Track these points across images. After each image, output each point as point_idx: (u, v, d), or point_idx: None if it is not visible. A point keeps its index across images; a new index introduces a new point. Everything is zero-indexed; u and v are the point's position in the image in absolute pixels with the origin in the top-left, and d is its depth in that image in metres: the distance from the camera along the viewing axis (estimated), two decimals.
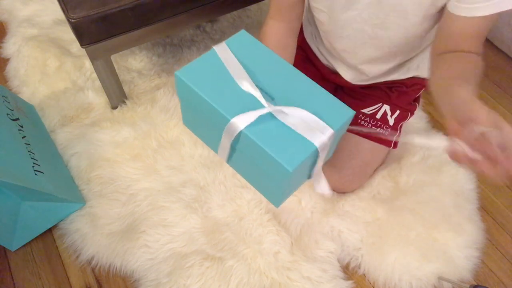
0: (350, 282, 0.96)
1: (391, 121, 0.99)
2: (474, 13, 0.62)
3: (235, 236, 1.00)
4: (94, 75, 1.32)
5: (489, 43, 1.51)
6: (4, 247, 1.00)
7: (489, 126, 0.46)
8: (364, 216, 1.04)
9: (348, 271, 0.99)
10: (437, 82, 0.65)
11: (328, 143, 0.62)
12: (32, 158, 0.98)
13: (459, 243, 1.00)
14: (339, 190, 1.07)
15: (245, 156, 0.67)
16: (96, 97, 1.28)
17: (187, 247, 0.99)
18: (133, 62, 1.40)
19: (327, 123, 0.62)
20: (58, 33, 1.46)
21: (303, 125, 0.60)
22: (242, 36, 0.72)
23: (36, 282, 0.97)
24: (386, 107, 0.99)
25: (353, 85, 0.98)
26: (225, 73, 0.66)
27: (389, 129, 0.99)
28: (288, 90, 0.66)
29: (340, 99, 0.67)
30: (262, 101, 0.62)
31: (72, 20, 0.96)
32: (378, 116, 0.99)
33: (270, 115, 0.62)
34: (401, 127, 1.02)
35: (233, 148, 0.67)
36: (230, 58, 0.67)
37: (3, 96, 1.10)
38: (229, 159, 0.72)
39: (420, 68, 0.94)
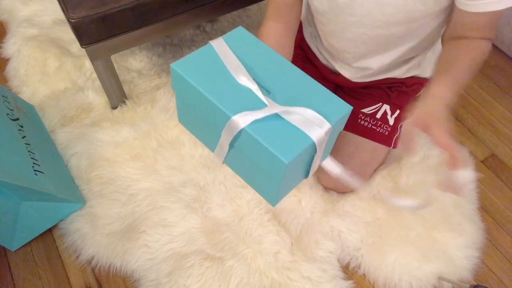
0: (350, 282, 0.96)
1: (391, 121, 0.99)
2: (484, 8, 0.63)
3: (235, 236, 1.00)
4: (94, 75, 1.32)
5: None
6: (4, 247, 1.00)
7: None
8: (364, 216, 1.04)
9: (348, 271, 0.99)
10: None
11: (326, 137, 0.61)
12: (32, 158, 0.98)
13: (459, 243, 1.00)
14: (339, 190, 1.07)
15: (242, 153, 0.66)
16: (96, 97, 1.28)
17: (187, 247, 0.99)
18: (133, 62, 1.40)
19: (324, 118, 0.61)
20: (58, 33, 1.46)
21: (301, 119, 0.60)
22: (239, 32, 0.71)
23: (36, 282, 0.97)
24: (386, 107, 0.99)
25: (353, 84, 0.98)
26: (222, 67, 0.65)
27: (389, 129, 0.99)
28: (285, 85, 0.65)
29: None
30: (260, 95, 0.62)
31: (72, 20, 0.96)
32: (378, 115, 0.99)
33: (261, 103, 0.62)
34: (401, 127, 1.02)
35: (230, 145, 0.67)
36: (227, 52, 0.66)
37: (3, 96, 1.10)
38: (226, 158, 0.72)
39: (421, 67, 0.94)
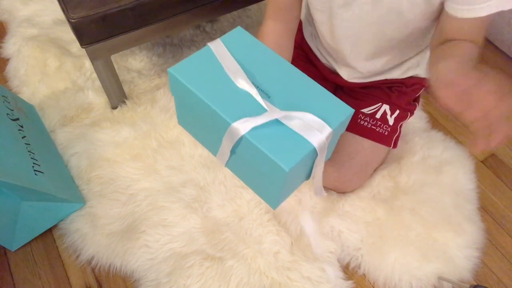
0: (350, 282, 0.96)
1: (391, 121, 0.99)
2: (474, 14, 0.62)
3: (235, 236, 1.00)
4: (94, 75, 1.32)
5: (489, 43, 1.51)
6: (4, 247, 1.00)
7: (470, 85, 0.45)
8: (364, 216, 1.04)
9: (348, 271, 0.99)
10: (431, 64, 0.65)
11: (327, 142, 0.61)
12: (32, 158, 0.98)
13: (459, 243, 1.00)
14: (339, 190, 1.07)
15: (242, 158, 0.65)
16: (96, 97, 1.28)
17: (187, 247, 0.99)
18: (133, 62, 1.40)
19: (325, 122, 0.61)
20: (58, 33, 1.46)
21: (301, 124, 0.60)
22: (238, 33, 0.70)
23: (36, 282, 0.97)
24: (385, 107, 0.99)
25: (353, 84, 0.98)
26: (220, 70, 0.64)
27: (389, 129, 0.99)
28: (285, 88, 0.64)
29: (339, 98, 0.66)
30: (259, 99, 0.61)
31: (72, 20, 0.96)
32: (378, 115, 0.99)
33: (263, 111, 0.61)
34: (400, 126, 1.02)
35: (231, 151, 0.66)
36: (225, 55, 0.65)
37: (3, 96, 1.10)
38: (227, 162, 0.71)
39: (420, 66, 0.94)
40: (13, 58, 1.39)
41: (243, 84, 0.62)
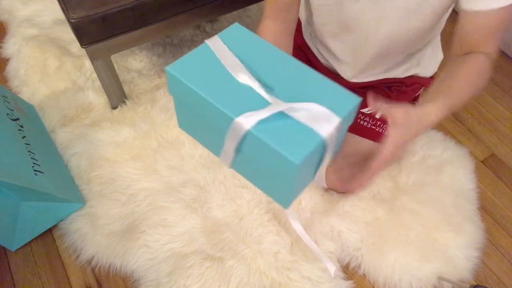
0: (350, 282, 0.96)
1: (388, 115, 0.99)
2: (489, 4, 0.61)
3: (235, 236, 1.00)
4: (94, 75, 1.32)
5: None
6: (4, 247, 1.00)
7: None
8: (364, 216, 1.04)
9: (348, 271, 0.99)
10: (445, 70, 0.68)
11: (336, 133, 0.58)
12: (32, 158, 0.98)
13: (459, 243, 1.00)
14: (339, 190, 1.07)
15: (248, 156, 0.63)
16: (96, 97, 1.28)
17: (187, 247, 0.99)
18: (133, 62, 1.40)
19: (333, 112, 0.57)
20: (58, 33, 1.46)
21: (308, 115, 0.57)
22: (236, 28, 0.68)
23: (36, 282, 0.97)
24: None
25: (353, 84, 0.98)
26: (220, 66, 0.62)
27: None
28: (287, 80, 0.62)
29: None
30: (262, 92, 0.59)
31: (72, 20, 0.96)
32: (378, 115, 0.99)
33: (264, 102, 0.58)
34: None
35: (236, 149, 0.64)
36: (223, 51, 0.63)
37: (3, 96, 1.10)
38: (232, 162, 0.68)
39: (420, 65, 0.94)
40: (13, 58, 1.40)
41: (244, 78, 0.60)
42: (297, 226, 0.74)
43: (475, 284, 0.97)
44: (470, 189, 1.11)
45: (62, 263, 1.00)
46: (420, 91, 1.01)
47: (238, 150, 0.63)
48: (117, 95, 1.24)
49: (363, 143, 0.99)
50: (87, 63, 1.36)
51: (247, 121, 0.55)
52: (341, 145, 0.70)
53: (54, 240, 1.03)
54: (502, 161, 1.21)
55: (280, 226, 1.02)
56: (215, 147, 0.69)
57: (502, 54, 1.49)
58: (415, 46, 0.86)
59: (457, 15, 0.70)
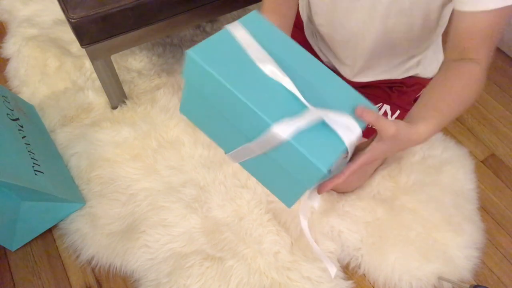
0: (350, 282, 0.96)
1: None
2: (481, 5, 0.60)
3: (235, 236, 1.00)
4: (94, 75, 1.32)
5: None
6: (4, 247, 1.00)
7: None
8: (364, 216, 1.04)
9: (348, 271, 0.99)
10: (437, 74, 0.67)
11: (356, 142, 0.56)
12: (32, 158, 0.98)
13: (459, 243, 1.00)
14: (339, 190, 1.07)
15: (267, 157, 0.58)
16: (96, 97, 1.28)
17: (187, 247, 0.99)
18: (133, 62, 1.40)
19: (356, 120, 0.55)
20: (58, 33, 1.46)
21: (335, 122, 0.54)
22: (255, 17, 0.62)
23: (36, 282, 0.97)
24: (386, 107, 0.99)
25: (354, 84, 0.98)
26: (244, 56, 0.56)
27: None
28: (311, 80, 0.58)
29: None
30: (296, 92, 0.54)
31: (72, 20, 0.96)
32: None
33: (298, 109, 0.54)
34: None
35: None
36: (247, 39, 0.58)
37: (3, 96, 1.10)
38: (245, 162, 0.64)
39: (421, 66, 0.94)
40: (13, 58, 1.40)
41: (274, 72, 0.55)
42: (304, 224, 0.73)
43: (475, 284, 0.97)
44: (470, 189, 1.11)
45: (62, 263, 1.00)
46: (421, 92, 1.01)
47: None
48: (117, 95, 1.24)
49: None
50: (87, 63, 1.36)
51: (285, 130, 0.51)
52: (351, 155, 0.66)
53: (54, 240, 1.03)
54: (502, 161, 1.21)
55: (280, 226, 1.02)
56: (225, 142, 0.64)
57: (502, 54, 1.49)
58: (414, 46, 0.86)
59: None
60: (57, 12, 1.53)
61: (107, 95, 1.23)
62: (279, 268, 0.96)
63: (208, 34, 1.49)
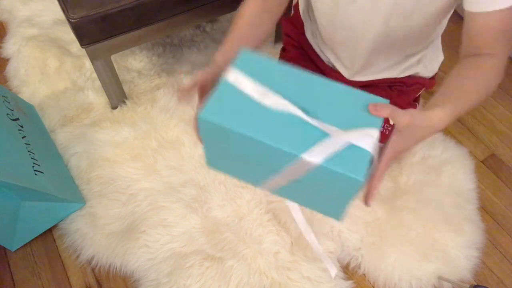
0: (350, 282, 0.96)
1: (392, 121, 0.99)
2: (491, 6, 0.60)
3: (235, 236, 1.00)
4: (94, 75, 1.32)
5: None
6: (4, 247, 1.00)
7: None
8: (364, 216, 1.04)
9: (348, 271, 0.99)
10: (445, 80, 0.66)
11: (377, 145, 0.58)
12: (32, 158, 0.98)
13: (459, 243, 1.00)
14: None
15: (302, 181, 0.61)
16: (96, 97, 1.28)
17: (187, 247, 0.99)
18: (133, 62, 1.40)
19: (371, 122, 0.57)
20: (58, 33, 1.46)
21: (352, 137, 0.56)
22: (246, 55, 0.66)
23: (36, 282, 0.97)
24: None
25: (354, 83, 0.98)
26: (250, 100, 0.60)
27: (389, 128, 0.99)
28: (319, 99, 0.61)
29: None
30: (304, 117, 0.58)
31: (72, 20, 0.96)
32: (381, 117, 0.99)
33: (311, 128, 0.57)
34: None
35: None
36: (247, 83, 0.61)
37: (3, 96, 1.10)
38: (278, 189, 0.67)
39: (421, 63, 0.94)
40: (13, 58, 1.40)
41: (282, 104, 0.58)
42: (310, 237, 0.73)
43: (475, 284, 0.97)
44: (470, 189, 1.11)
45: (62, 263, 1.00)
46: (421, 91, 1.01)
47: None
48: (117, 95, 1.24)
49: None
50: (87, 63, 1.36)
51: (314, 156, 0.54)
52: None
53: (54, 240, 1.03)
54: (502, 161, 1.21)
55: (280, 226, 1.02)
56: (256, 179, 0.67)
57: None
58: (413, 45, 0.86)
59: (458, 16, 0.70)
60: (57, 12, 1.53)
61: (107, 95, 1.23)
62: (279, 268, 0.96)
63: (208, 34, 1.49)
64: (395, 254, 0.98)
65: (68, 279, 0.98)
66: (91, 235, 1.01)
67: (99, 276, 0.98)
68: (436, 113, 0.59)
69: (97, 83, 1.31)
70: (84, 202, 1.06)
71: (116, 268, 0.98)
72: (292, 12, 1.06)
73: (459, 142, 1.23)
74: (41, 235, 1.03)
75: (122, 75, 1.34)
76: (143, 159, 1.13)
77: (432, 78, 1.00)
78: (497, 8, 0.60)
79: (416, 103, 1.04)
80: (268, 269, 0.95)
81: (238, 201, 1.05)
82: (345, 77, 0.98)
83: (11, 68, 1.37)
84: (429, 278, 0.96)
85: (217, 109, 0.59)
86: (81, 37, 1.00)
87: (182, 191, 1.07)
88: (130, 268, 0.98)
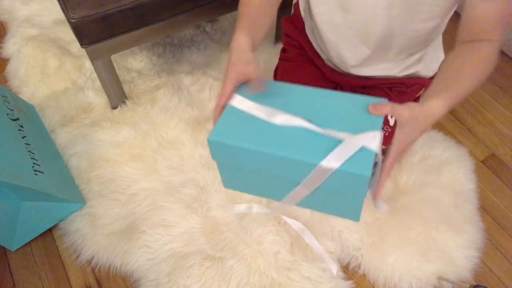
0: (350, 282, 0.96)
1: (391, 121, 0.99)
2: None
3: (235, 236, 1.00)
4: (94, 75, 1.32)
5: None
6: (4, 247, 1.00)
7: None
8: (364, 216, 1.04)
9: (348, 271, 0.99)
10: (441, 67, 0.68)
11: (380, 144, 0.60)
12: (32, 158, 0.98)
13: (459, 243, 1.00)
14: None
15: (318, 189, 0.64)
16: (96, 97, 1.28)
17: (187, 247, 0.99)
18: (133, 62, 1.40)
19: (372, 123, 0.60)
20: (58, 33, 1.46)
21: (356, 138, 0.59)
22: (247, 83, 0.69)
23: (36, 282, 0.97)
24: None
25: (354, 82, 0.98)
26: (258, 120, 0.62)
27: (389, 130, 0.99)
28: (321, 109, 0.64)
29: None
30: (313, 127, 0.60)
31: (72, 20, 0.96)
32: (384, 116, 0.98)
33: (320, 137, 0.60)
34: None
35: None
36: (251, 105, 0.64)
37: (3, 96, 1.10)
38: (300, 201, 0.69)
39: (422, 62, 0.94)
40: (13, 58, 1.40)
41: (287, 119, 0.61)
42: (315, 243, 0.74)
43: (475, 284, 0.97)
44: (470, 189, 1.11)
45: (62, 263, 1.00)
46: (421, 92, 1.01)
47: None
48: (117, 95, 1.24)
49: None
50: (87, 63, 1.36)
51: (332, 162, 0.56)
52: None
53: (54, 240, 1.03)
54: (502, 161, 1.21)
55: (280, 226, 1.02)
56: (276, 194, 0.69)
57: (502, 54, 1.49)
58: (414, 44, 0.85)
59: (458, 16, 0.70)
60: (57, 12, 1.53)
61: (107, 95, 1.23)
62: (279, 268, 0.96)
63: (208, 34, 1.49)
64: (395, 254, 0.98)
65: (68, 279, 0.98)
66: (91, 235, 1.01)
67: (99, 276, 0.98)
68: (434, 103, 0.60)
69: (97, 83, 1.31)
70: (84, 202, 1.06)
71: (116, 268, 0.98)
72: (292, 11, 1.06)
73: (459, 142, 1.23)
74: (41, 235, 1.03)
75: (122, 75, 1.34)
76: (143, 159, 1.13)
77: (432, 78, 1.00)
78: None
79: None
80: (268, 269, 0.95)
81: (238, 201, 1.05)
82: (344, 73, 0.97)
83: (11, 68, 1.37)
84: (429, 278, 0.96)
85: (226, 130, 0.62)
86: (81, 37, 1.00)
87: (182, 191, 1.07)
88: (130, 268, 0.98)
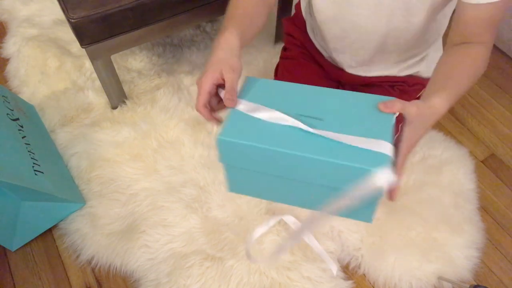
0: (350, 282, 0.96)
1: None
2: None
3: (235, 236, 1.00)
4: (94, 75, 1.32)
5: None
6: (4, 247, 1.00)
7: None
8: None
9: (348, 271, 0.99)
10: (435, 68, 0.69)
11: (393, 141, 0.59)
12: (32, 158, 0.98)
13: (459, 243, 1.00)
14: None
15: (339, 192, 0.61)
16: (96, 97, 1.28)
17: (187, 247, 0.99)
18: (133, 62, 1.40)
19: (383, 121, 0.60)
20: (58, 33, 1.46)
21: (369, 141, 0.58)
22: (250, 82, 0.68)
23: (36, 282, 0.97)
24: None
25: (355, 80, 0.98)
26: (264, 123, 0.60)
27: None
28: (331, 109, 0.62)
29: None
30: (308, 129, 0.58)
31: (72, 20, 0.96)
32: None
33: (323, 140, 0.58)
34: (401, 126, 1.02)
35: (314, 190, 0.62)
36: (256, 108, 0.62)
37: (3, 96, 1.10)
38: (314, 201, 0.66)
39: (423, 62, 0.94)
40: (13, 58, 1.40)
41: (291, 121, 0.60)
42: (315, 243, 0.73)
43: (475, 284, 0.97)
44: (470, 189, 1.11)
45: (62, 263, 1.00)
46: (422, 92, 1.01)
47: (314, 189, 0.62)
48: (117, 95, 1.24)
49: None
50: (87, 63, 1.36)
51: (385, 175, 0.54)
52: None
53: (54, 240, 1.03)
54: (502, 161, 1.21)
55: (280, 226, 1.02)
56: (288, 198, 0.68)
57: (502, 54, 1.49)
58: (415, 43, 0.86)
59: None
60: (57, 12, 1.53)
61: (107, 95, 1.23)
62: (279, 268, 0.96)
63: (208, 34, 1.49)
64: (395, 254, 0.98)
65: (68, 279, 0.98)
66: (91, 235, 1.01)
67: (99, 276, 0.98)
68: (436, 100, 0.61)
69: (97, 83, 1.31)
70: (84, 202, 1.06)
71: (116, 268, 0.98)
72: (294, 11, 1.06)
73: (459, 142, 1.23)
74: (41, 235, 1.03)
75: (122, 75, 1.34)
76: (143, 159, 1.13)
77: None
78: (491, 0, 0.63)
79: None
80: (268, 269, 0.95)
81: (238, 201, 1.05)
82: (345, 72, 0.97)
83: (11, 68, 1.37)
84: (429, 278, 0.96)
85: (234, 130, 0.59)
86: (81, 37, 1.00)
87: (182, 191, 1.07)
88: (130, 268, 0.98)
